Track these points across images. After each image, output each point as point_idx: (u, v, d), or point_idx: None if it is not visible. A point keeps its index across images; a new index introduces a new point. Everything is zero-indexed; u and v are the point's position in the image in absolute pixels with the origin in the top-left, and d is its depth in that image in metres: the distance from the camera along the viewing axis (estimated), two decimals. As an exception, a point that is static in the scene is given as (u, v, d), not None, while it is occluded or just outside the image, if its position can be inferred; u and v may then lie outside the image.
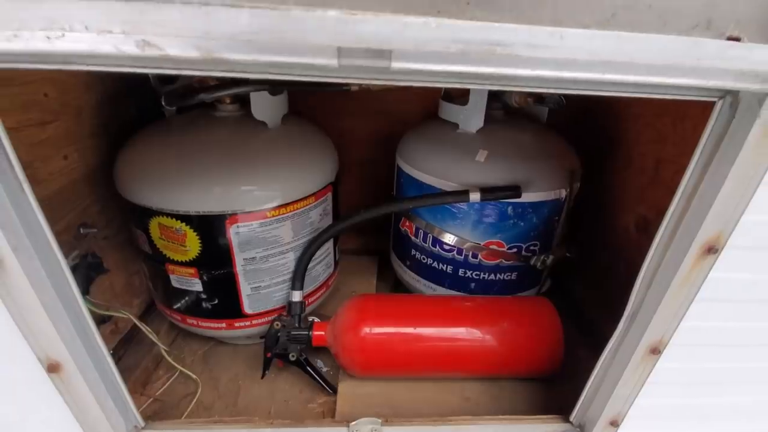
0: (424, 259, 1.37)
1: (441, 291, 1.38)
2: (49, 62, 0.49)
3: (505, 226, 1.22)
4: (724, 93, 0.58)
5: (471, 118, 1.23)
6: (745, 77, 0.52)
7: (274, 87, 1.09)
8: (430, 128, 1.36)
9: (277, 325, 1.16)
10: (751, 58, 0.51)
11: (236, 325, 1.21)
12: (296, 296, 1.20)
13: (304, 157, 1.16)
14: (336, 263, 1.42)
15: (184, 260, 1.10)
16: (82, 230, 1.06)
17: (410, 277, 1.46)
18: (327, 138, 1.30)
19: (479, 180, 1.16)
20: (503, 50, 0.48)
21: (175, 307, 1.18)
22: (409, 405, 1.14)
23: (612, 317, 0.83)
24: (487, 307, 1.19)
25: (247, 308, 1.19)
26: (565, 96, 1.21)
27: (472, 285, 1.33)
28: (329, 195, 1.24)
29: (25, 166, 0.60)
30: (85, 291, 1.03)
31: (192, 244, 1.07)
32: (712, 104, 0.60)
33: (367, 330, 1.11)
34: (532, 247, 1.27)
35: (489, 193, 1.14)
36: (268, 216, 1.08)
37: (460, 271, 1.31)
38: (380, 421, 0.96)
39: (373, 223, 1.30)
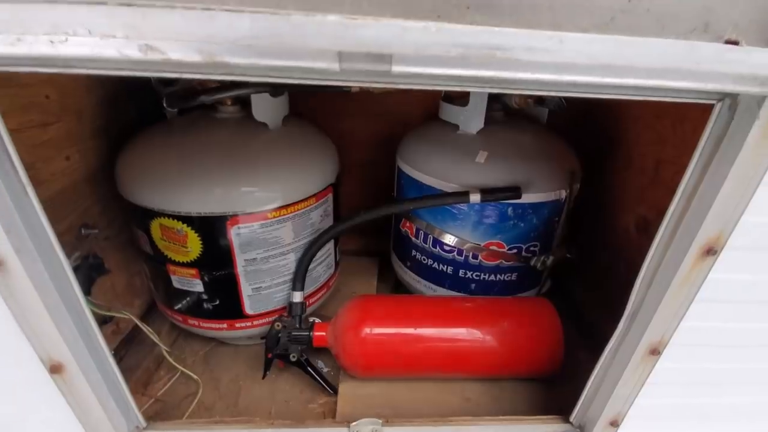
0: (424, 259, 1.37)
1: (441, 292, 1.38)
2: (51, 66, 0.49)
3: (505, 227, 1.22)
4: (723, 96, 0.58)
5: (471, 119, 1.23)
6: (743, 80, 0.52)
7: (275, 89, 1.10)
8: (430, 129, 1.36)
9: (278, 325, 1.17)
10: (749, 62, 0.51)
11: (237, 325, 1.22)
12: (297, 297, 1.20)
13: (304, 159, 1.16)
14: (337, 264, 1.42)
15: (185, 261, 1.10)
16: (83, 231, 1.07)
17: (411, 278, 1.46)
18: (327, 139, 1.31)
19: (479, 181, 1.16)
20: (503, 54, 0.48)
21: (176, 307, 1.18)
22: (410, 405, 1.14)
23: (612, 318, 0.83)
24: (488, 308, 1.20)
25: (248, 309, 1.20)
26: (565, 98, 1.22)
27: (473, 286, 1.33)
28: (330, 196, 1.24)
29: (27, 168, 0.60)
30: (86, 292, 1.03)
31: (193, 245, 1.07)
32: (711, 107, 0.60)
33: (367, 331, 1.12)
34: (532, 248, 1.27)
35: (489, 194, 1.14)
36: (269, 217, 1.08)
37: (461, 272, 1.32)
38: (381, 421, 0.96)
39: (373, 224, 1.30)
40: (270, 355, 1.18)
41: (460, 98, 1.27)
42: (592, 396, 0.91)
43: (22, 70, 0.49)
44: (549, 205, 1.21)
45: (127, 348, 1.25)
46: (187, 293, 1.16)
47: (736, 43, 0.50)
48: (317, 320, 1.22)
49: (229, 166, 1.04)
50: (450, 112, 1.29)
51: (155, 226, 1.06)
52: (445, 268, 1.33)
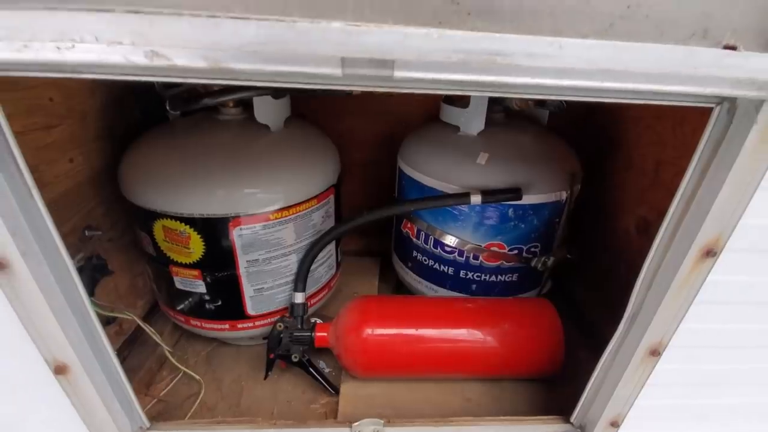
0: (425, 260, 1.38)
1: (442, 292, 1.39)
2: (58, 71, 0.50)
3: (506, 228, 1.23)
4: (722, 100, 0.58)
5: (472, 120, 1.24)
6: (741, 85, 0.53)
7: (277, 91, 1.10)
8: (431, 131, 1.37)
9: (280, 326, 1.17)
10: (747, 66, 0.51)
11: (239, 326, 1.22)
12: (299, 298, 1.21)
13: (306, 160, 1.17)
14: (338, 265, 1.43)
15: (187, 262, 1.11)
16: (87, 233, 1.08)
17: (412, 279, 1.47)
18: (329, 141, 1.31)
19: (480, 182, 1.17)
20: (503, 60, 0.49)
21: (178, 308, 1.19)
22: (411, 406, 1.15)
23: (612, 319, 0.83)
24: (488, 309, 1.20)
25: (250, 310, 1.20)
26: (566, 100, 1.22)
27: (474, 286, 1.34)
28: (331, 197, 1.25)
29: (31, 170, 0.61)
30: (89, 293, 1.04)
31: (196, 247, 1.08)
32: (710, 110, 0.61)
33: (369, 331, 1.12)
34: (532, 249, 1.28)
35: (490, 195, 1.15)
36: (271, 218, 1.09)
37: (462, 273, 1.32)
38: (382, 421, 0.97)
39: (375, 225, 1.31)
40: (272, 356, 1.18)
41: (461, 100, 1.27)
42: (593, 397, 0.91)
43: (30, 75, 0.50)
44: (550, 206, 1.22)
45: (129, 348, 1.25)
46: (189, 294, 1.17)
47: (734, 48, 0.51)
48: (319, 321, 1.22)
49: (231, 168, 1.05)
50: (451, 114, 1.29)
51: (158, 227, 1.07)
52: (446, 269, 1.34)
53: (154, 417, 0.97)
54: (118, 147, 1.17)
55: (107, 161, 1.15)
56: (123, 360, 1.21)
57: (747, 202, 0.63)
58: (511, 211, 1.20)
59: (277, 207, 1.08)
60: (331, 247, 1.33)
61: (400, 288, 1.61)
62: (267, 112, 1.11)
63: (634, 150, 1.31)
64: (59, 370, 0.74)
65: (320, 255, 1.24)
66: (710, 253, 0.68)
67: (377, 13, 0.45)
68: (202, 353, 1.35)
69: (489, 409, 1.15)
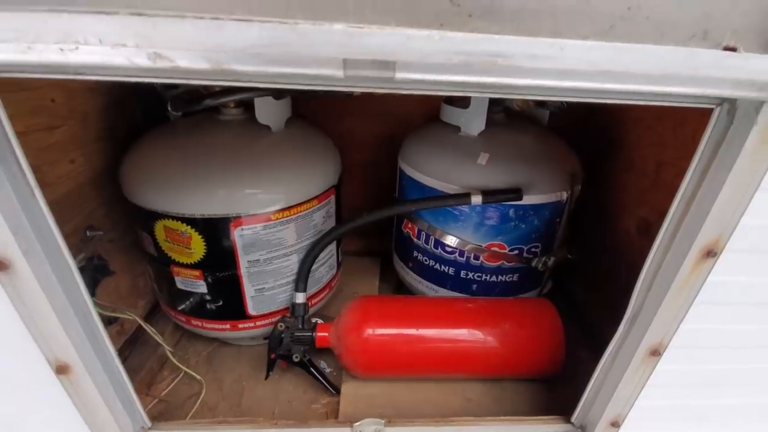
0: (426, 260, 1.38)
1: (443, 292, 1.39)
2: (61, 73, 0.50)
3: (506, 229, 1.23)
4: (722, 101, 0.59)
5: (472, 121, 1.24)
6: (741, 86, 0.53)
7: (278, 92, 1.11)
8: (431, 131, 1.37)
9: (281, 326, 1.18)
10: (747, 68, 0.52)
11: (240, 326, 1.23)
12: (299, 298, 1.21)
13: (307, 161, 1.17)
14: (339, 265, 1.43)
15: (189, 262, 1.11)
16: (88, 233, 1.08)
17: (412, 279, 1.47)
18: (329, 141, 1.32)
19: (481, 183, 1.17)
20: (504, 61, 0.49)
21: (179, 308, 1.19)
22: (412, 406, 1.15)
23: (613, 319, 0.84)
24: (489, 309, 1.21)
25: (251, 310, 1.20)
26: (566, 101, 1.22)
27: (474, 286, 1.34)
28: (332, 198, 1.25)
29: (33, 170, 0.61)
30: (91, 293, 1.04)
31: (197, 247, 1.08)
32: (710, 111, 0.61)
33: (369, 331, 1.12)
34: (533, 249, 1.28)
35: (490, 195, 1.15)
36: (272, 219, 1.09)
37: (462, 273, 1.32)
38: (383, 421, 0.97)
39: (375, 225, 1.31)
40: (273, 356, 1.19)
41: (462, 100, 1.28)
42: (593, 397, 0.91)
43: (33, 76, 0.50)
44: (550, 207, 1.22)
45: (131, 348, 1.25)
46: (190, 294, 1.17)
47: (734, 49, 0.51)
48: (320, 321, 1.22)
49: (232, 168, 1.05)
50: (451, 114, 1.29)
51: (159, 227, 1.07)
52: (446, 269, 1.34)
53: (156, 417, 0.97)
54: (119, 148, 1.17)
55: (109, 162, 1.16)
56: (124, 360, 1.21)
57: (747, 203, 0.64)
58: (511, 212, 1.20)
59: (278, 207, 1.09)
60: (332, 247, 1.33)
61: (401, 288, 1.62)
62: (268, 112, 1.11)
63: (635, 151, 1.31)
64: (61, 369, 0.74)
65: (321, 255, 1.24)
66: (710, 254, 0.68)
67: (379, 14, 0.46)
68: (203, 353, 1.35)
69: (489, 409, 1.15)
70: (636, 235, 1.28)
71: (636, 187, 1.29)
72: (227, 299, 1.17)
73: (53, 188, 0.97)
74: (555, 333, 1.15)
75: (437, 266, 1.36)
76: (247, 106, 1.16)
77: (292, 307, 1.22)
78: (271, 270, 1.16)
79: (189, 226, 1.05)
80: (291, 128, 1.20)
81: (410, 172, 1.32)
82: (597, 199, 1.45)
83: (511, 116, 1.35)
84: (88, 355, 0.75)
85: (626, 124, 1.35)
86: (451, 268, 1.33)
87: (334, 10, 0.45)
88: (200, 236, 1.06)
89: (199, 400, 1.17)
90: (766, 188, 0.62)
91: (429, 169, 1.26)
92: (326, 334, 1.18)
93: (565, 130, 1.38)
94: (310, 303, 1.26)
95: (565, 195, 1.22)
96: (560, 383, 1.19)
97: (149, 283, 1.34)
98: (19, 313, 0.67)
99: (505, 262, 1.28)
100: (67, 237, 0.67)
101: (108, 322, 1.16)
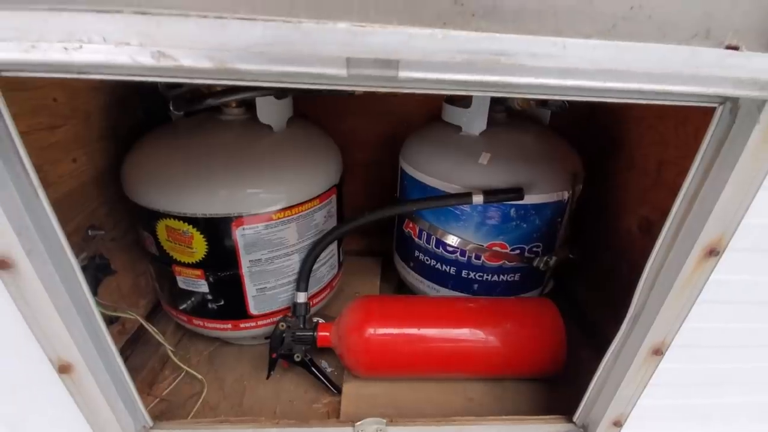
0: (427, 260, 1.38)
1: (444, 292, 1.39)
2: (64, 72, 0.50)
3: (507, 228, 1.23)
4: (724, 99, 0.59)
5: (474, 120, 1.24)
6: (743, 84, 0.53)
7: (279, 91, 1.11)
8: (433, 131, 1.37)
9: (282, 326, 1.18)
10: (749, 66, 0.52)
11: (242, 326, 1.23)
12: (301, 297, 1.21)
13: (308, 160, 1.17)
14: (340, 264, 1.43)
15: (190, 262, 1.11)
16: (90, 232, 1.08)
17: (414, 279, 1.47)
18: (331, 141, 1.32)
19: (482, 182, 1.17)
20: (507, 60, 0.49)
21: (181, 308, 1.19)
22: (413, 405, 1.15)
23: (614, 318, 0.84)
24: (490, 309, 1.21)
25: (253, 309, 1.21)
26: (568, 100, 1.23)
27: (475, 286, 1.34)
28: (333, 197, 1.25)
29: (36, 170, 0.61)
30: (92, 292, 1.04)
31: (198, 246, 1.08)
32: (712, 110, 0.61)
33: (371, 331, 1.12)
34: (534, 249, 1.28)
35: (492, 195, 1.15)
36: (274, 218, 1.09)
37: (463, 273, 1.32)
38: (385, 421, 0.97)
39: (376, 225, 1.31)
40: (274, 355, 1.19)
41: (463, 100, 1.28)
42: (595, 397, 0.91)
43: (37, 75, 0.50)
44: (552, 206, 1.22)
45: (132, 348, 1.26)
46: (192, 294, 1.17)
47: (736, 48, 0.51)
48: (321, 320, 1.22)
49: (234, 168, 1.05)
50: (453, 114, 1.30)
51: (161, 227, 1.07)
52: (448, 269, 1.34)
53: (157, 416, 0.97)
54: (121, 147, 1.17)
55: (110, 161, 1.16)
56: (126, 359, 1.20)
57: (750, 202, 0.64)
58: (513, 211, 1.20)
59: (279, 207, 1.09)
60: (333, 246, 1.33)
61: (402, 288, 1.62)
62: (270, 112, 1.11)
63: (637, 150, 1.31)
64: (63, 369, 0.74)
65: (322, 255, 1.24)
66: (713, 253, 0.68)
67: (382, 13, 0.46)
68: (205, 353, 1.35)
69: (491, 409, 1.15)
70: (638, 234, 1.28)
71: (637, 186, 1.29)
72: (229, 299, 1.17)
73: (55, 187, 0.97)
74: (556, 332, 1.15)
75: (438, 266, 1.36)
76: (249, 106, 1.16)
77: (294, 307, 1.22)
78: (273, 269, 1.16)
79: (191, 226, 1.05)
80: (292, 128, 1.20)
81: (411, 171, 1.32)
82: (598, 198, 1.45)
83: (512, 116, 1.35)
84: (90, 354, 0.75)
85: (628, 123, 1.35)
86: (452, 268, 1.33)
87: (337, 9, 0.45)
88: (202, 236, 1.06)
89: (201, 400, 1.17)
90: (769, 187, 0.62)
91: (430, 169, 1.26)
92: (327, 333, 1.18)
93: (566, 130, 1.38)
94: (311, 302, 1.26)
95: (566, 194, 1.22)
96: (562, 383, 1.19)
97: (151, 283, 1.34)
98: (22, 312, 0.67)
99: (506, 262, 1.28)
100: (69, 236, 0.68)
101: (109, 321, 1.16)
